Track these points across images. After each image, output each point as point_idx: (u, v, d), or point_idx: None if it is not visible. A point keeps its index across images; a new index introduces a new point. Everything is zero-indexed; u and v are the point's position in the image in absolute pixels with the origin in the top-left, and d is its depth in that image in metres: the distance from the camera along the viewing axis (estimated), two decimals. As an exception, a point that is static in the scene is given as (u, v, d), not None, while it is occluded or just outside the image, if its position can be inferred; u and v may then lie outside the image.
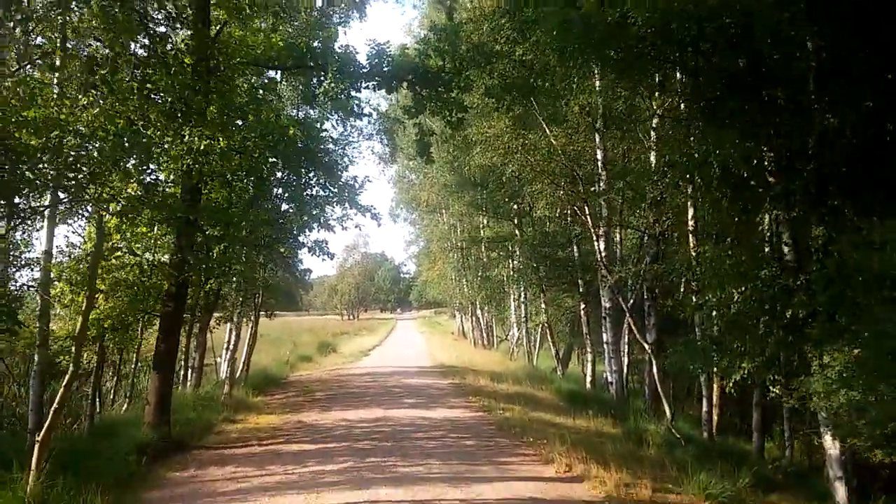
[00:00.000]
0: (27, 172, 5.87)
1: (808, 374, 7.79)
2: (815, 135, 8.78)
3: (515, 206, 23.38)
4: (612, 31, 8.30)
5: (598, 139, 16.20)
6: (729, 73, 8.07)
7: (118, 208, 6.92)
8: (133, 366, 13.84)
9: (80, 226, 10.55)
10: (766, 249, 9.70)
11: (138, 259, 9.53)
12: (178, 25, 8.64)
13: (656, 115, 13.58)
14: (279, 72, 10.58)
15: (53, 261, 9.15)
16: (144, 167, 7.14)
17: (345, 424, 11.54)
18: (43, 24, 6.85)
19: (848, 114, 8.10)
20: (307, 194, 11.03)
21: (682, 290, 18.36)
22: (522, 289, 25.88)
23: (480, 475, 7.89)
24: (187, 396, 13.85)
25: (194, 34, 8.29)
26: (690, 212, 12.57)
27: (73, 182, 6.02)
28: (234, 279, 16.77)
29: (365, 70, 9.84)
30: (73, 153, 5.91)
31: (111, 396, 14.06)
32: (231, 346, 19.93)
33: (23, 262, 9.12)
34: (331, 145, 14.00)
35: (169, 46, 8.18)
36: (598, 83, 14.57)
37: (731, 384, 8.97)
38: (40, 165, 5.76)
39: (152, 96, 6.41)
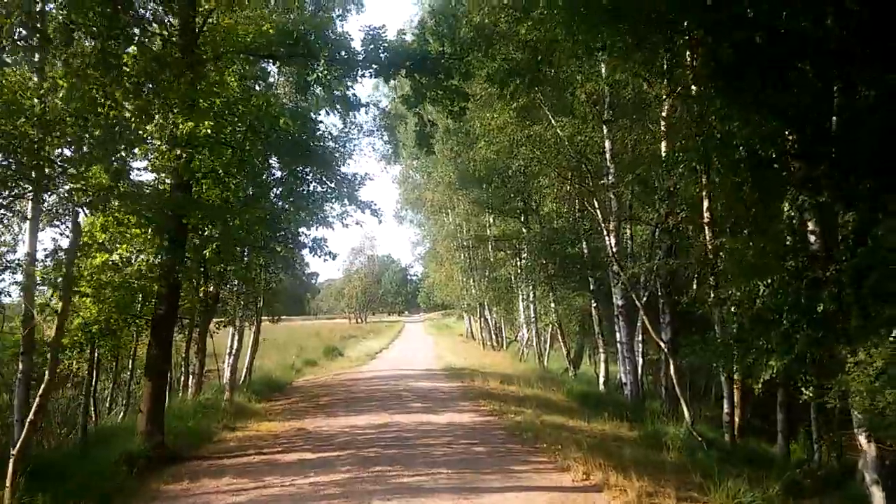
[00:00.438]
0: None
1: (844, 373, 7.20)
2: (839, 113, 8.25)
3: (522, 203, 22.82)
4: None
5: (605, 130, 15.64)
6: (747, 45, 7.49)
7: (89, 201, 6.41)
8: (129, 372, 13.36)
9: (67, 227, 10.10)
10: (789, 239, 9.11)
11: (125, 260, 9.01)
12: (165, 11, 8.13)
13: (667, 100, 12.98)
14: (271, 61, 10.07)
15: (38, 264, 8.71)
16: (117, 156, 6.60)
17: (348, 431, 11.02)
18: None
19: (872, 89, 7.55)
20: (303, 190, 10.50)
21: (694, 285, 17.83)
22: (531, 288, 25.31)
23: (491, 485, 7.35)
24: (187, 403, 13.38)
25: (180, 17, 7.81)
26: (705, 203, 11.98)
27: (41, 175, 5.53)
28: (233, 282, 16.34)
29: (360, 57, 9.33)
30: (35, 141, 5.42)
31: (107, 404, 13.62)
32: (233, 351, 19.53)
33: (4, 265, 8.61)
34: (329, 143, 13.55)
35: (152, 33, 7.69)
36: (604, 70, 14.01)
37: (758, 385, 8.37)
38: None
39: (117, 72, 5.91)
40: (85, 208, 7.29)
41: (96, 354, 12.51)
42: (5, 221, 7.85)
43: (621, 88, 14.10)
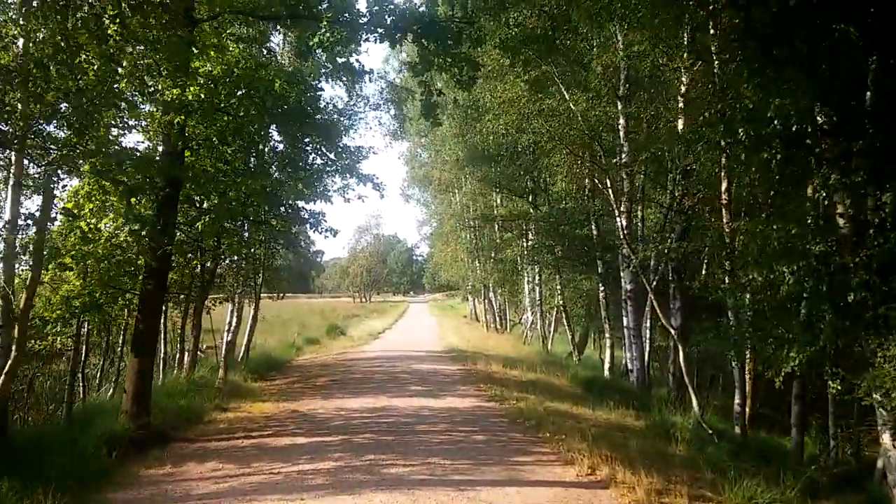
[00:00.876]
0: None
1: (871, 366, 6.69)
2: (875, 87, 7.67)
3: (530, 182, 22.23)
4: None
5: (620, 106, 15.01)
6: (784, 10, 6.89)
7: (51, 161, 5.90)
8: (119, 348, 12.95)
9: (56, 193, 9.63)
10: (814, 222, 8.56)
11: (111, 231, 8.54)
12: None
13: (686, 74, 12.36)
14: (271, 23, 9.49)
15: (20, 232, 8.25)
16: (90, 115, 6.08)
17: (344, 414, 10.60)
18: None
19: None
20: (303, 161, 9.95)
21: (704, 270, 17.27)
22: (537, 270, 24.80)
23: (491, 478, 6.90)
24: (180, 381, 13.00)
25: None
26: (724, 184, 11.41)
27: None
28: (232, 257, 15.88)
29: (365, 20, 8.75)
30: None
31: (97, 381, 13.24)
32: (232, 328, 19.13)
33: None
34: (333, 114, 13.00)
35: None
36: (620, 41, 13.37)
37: (779, 378, 7.85)
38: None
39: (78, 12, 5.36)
40: (61, 173, 6.76)
41: (86, 329, 12.17)
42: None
43: (639, 61, 13.42)
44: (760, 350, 8.21)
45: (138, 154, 7.81)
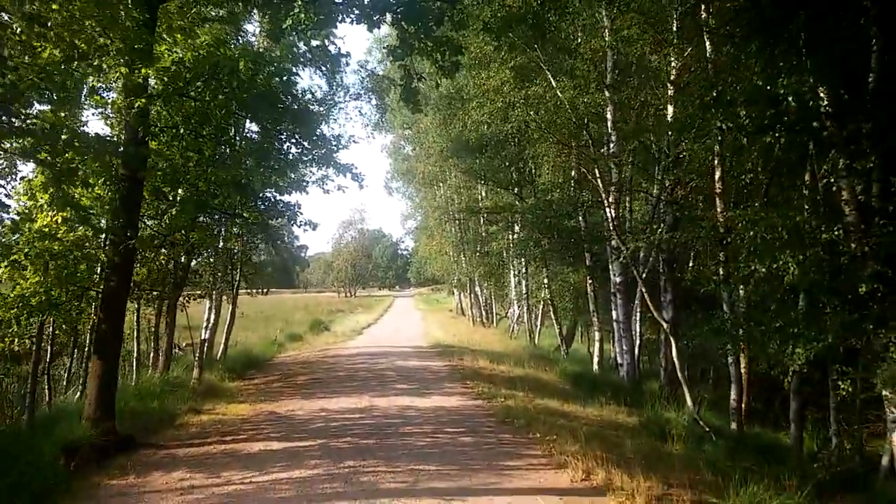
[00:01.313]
0: None
1: (883, 361, 6.27)
2: (880, 69, 7.25)
3: (516, 174, 21.74)
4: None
5: (607, 94, 14.54)
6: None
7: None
8: (86, 348, 12.33)
9: (12, 186, 9.04)
10: (814, 209, 8.14)
11: (68, 225, 7.93)
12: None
13: (675, 61, 11.93)
14: (242, 4, 8.88)
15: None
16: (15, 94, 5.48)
17: (323, 416, 10.08)
18: None
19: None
20: (277, 150, 9.35)
21: (692, 262, 16.90)
22: (523, 263, 24.35)
23: (479, 486, 6.42)
24: (153, 381, 12.39)
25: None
26: (718, 172, 11.00)
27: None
28: (202, 251, 15.28)
29: (340, 0, 8.21)
30: None
31: (64, 382, 12.61)
32: (209, 325, 18.53)
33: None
34: (311, 101, 12.41)
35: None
36: (607, 26, 12.91)
37: (788, 377, 7.44)
38: None
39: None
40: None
41: (51, 329, 11.53)
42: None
43: (627, 46, 12.96)
44: (761, 345, 7.76)
45: (90, 137, 7.15)
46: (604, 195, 14.70)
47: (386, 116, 24.83)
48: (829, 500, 7.74)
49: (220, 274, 17.34)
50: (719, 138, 8.30)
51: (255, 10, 9.10)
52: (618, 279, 15.85)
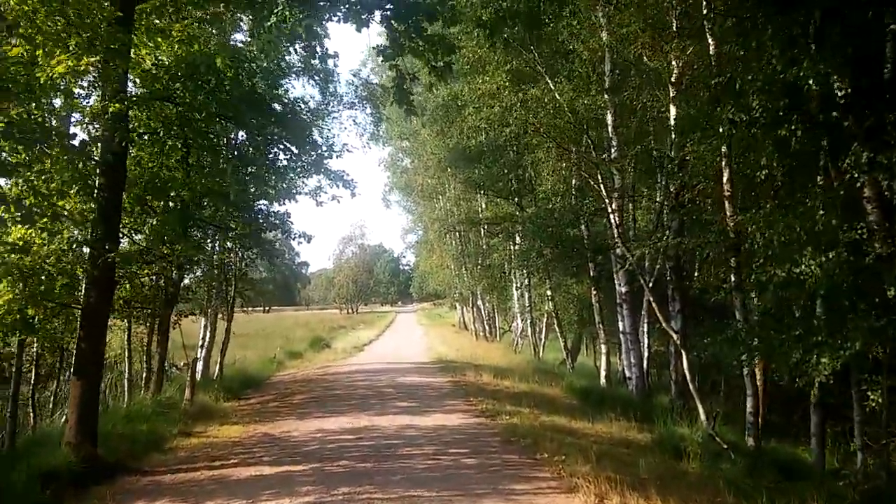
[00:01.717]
0: None
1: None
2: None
3: (515, 183, 21.31)
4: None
5: (606, 97, 14.12)
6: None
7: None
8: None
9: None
10: (836, 208, 7.65)
11: (41, 238, 7.49)
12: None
13: (678, 59, 11.53)
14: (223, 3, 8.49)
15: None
16: None
17: (319, 437, 9.57)
18: None
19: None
20: (264, 157, 8.91)
21: (697, 270, 16.41)
22: (525, 275, 23.88)
23: (483, 513, 5.92)
24: (144, 403, 11.92)
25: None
26: (726, 174, 10.55)
27: None
28: (202, 267, 14.86)
29: (326, -3, 7.83)
30: None
31: (51, 406, 12.12)
32: (205, 344, 18.06)
33: None
34: (304, 111, 11.99)
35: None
36: (605, 28, 12.54)
37: (814, 389, 6.95)
38: None
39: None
40: None
41: (35, 350, 11.08)
42: None
43: (627, 45, 12.56)
44: (783, 355, 7.26)
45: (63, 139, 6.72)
46: (607, 202, 14.23)
47: (382, 126, 24.40)
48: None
49: (214, 290, 16.89)
50: (732, 131, 7.79)
51: (238, 9, 8.69)
52: (623, 289, 15.36)
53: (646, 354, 15.73)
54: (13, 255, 7.24)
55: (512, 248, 25.16)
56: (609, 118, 14.61)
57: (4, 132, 5.52)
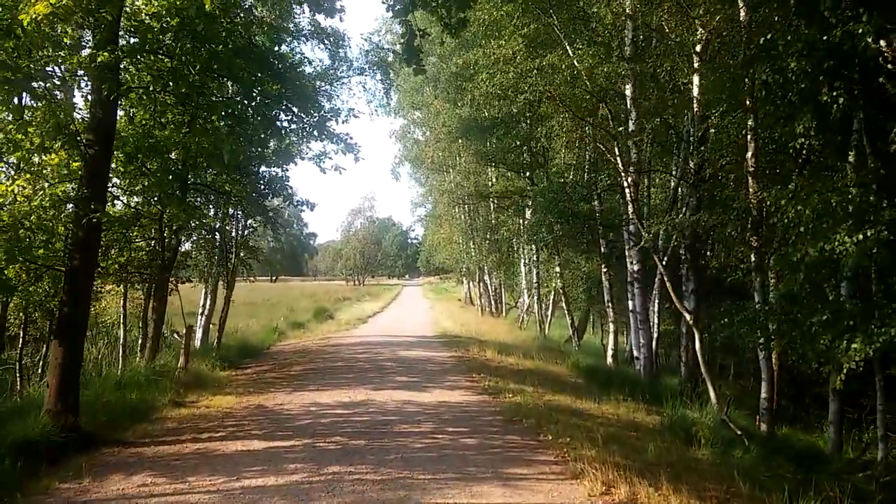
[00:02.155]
0: None
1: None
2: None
3: (528, 156, 20.68)
4: None
5: (626, 67, 13.45)
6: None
7: None
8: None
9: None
10: (869, 183, 7.09)
11: (23, 193, 7.05)
12: None
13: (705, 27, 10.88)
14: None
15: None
16: None
17: (314, 411, 9.19)
18: None
19: None
20: (260, 115, 8.37)
21: (710, 249, 15.85)
22: (534, 250, 23.38)
23: (481, 501, 5.50)
24: (138, 370, 11.57)
25: None
26: (751, 149, 9.97)
27: None
28: (200, 233, 14.46)
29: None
30: None
31: (39, 371, 11.81)
32: (205, 311, 17.73)
33: None
34: (310, 73, 11.42)
35: None
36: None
37: (840, 377, 6.45)
38: None
39: None
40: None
41: (23, 314, 10.72)
42: None
43: (650, 11, 11.90)
44: (809, 340, 6.76)
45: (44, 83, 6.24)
46: (623, 175, 13.64)
47: (392, 95, 23.72)
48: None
49: (215, 257, 16.49)
50: (762, 93, 7.18)
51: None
52: (636, 267, 14.85)
53: (655, 334, 15.27)
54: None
55: (521, 223, 24.61)
56: (628, 89, 13.98)
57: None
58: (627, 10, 12.90)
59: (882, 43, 6.40)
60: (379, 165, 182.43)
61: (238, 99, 8.46)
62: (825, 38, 5.77)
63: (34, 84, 6.55)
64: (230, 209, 14.46)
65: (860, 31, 5.44)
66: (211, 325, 17.33)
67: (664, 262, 13.22)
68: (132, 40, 7.98)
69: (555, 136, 15.61)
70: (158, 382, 10.88)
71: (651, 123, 13.54)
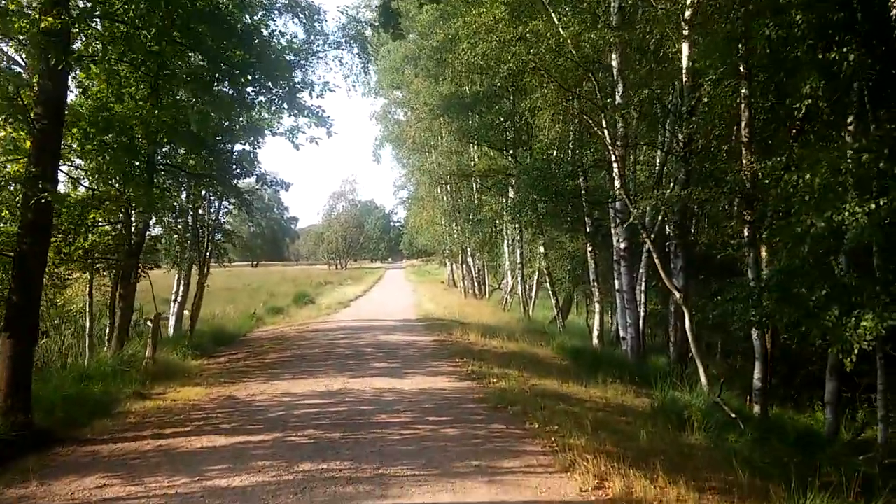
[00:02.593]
0: None
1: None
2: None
3: (511, 133, 20.12)
4: None
5: (612, 37, 12.91)
6: None
7: None
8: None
9: None
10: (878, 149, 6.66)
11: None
12: None
13: None
14: None
15: None
16: None
17: (286, 402, 8.69)
18: None
19: None
20: (222, 84, 7.74)
21: (693, 224, 15.46)
22: (518, 230, 22.92)
23: (465, 497, 5.05)
24: (104, 361, 11.00)
25: None
26: (745, 118, 9.52)
27: None
28: (170, 217, 13.82)
29: None
30: None
31: None
32: (178, 298, 17.13)
33: None
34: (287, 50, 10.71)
35: None
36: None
37: (851, 358, 6.05)
38: None
39: None
40: None
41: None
42: None
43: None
44: (815, 318, 6.35)
45: None
46: (611, 149, 13.15)
47: (369, 68, 22.98)
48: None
49: (187, 242, 15.85)
50: (767, 49, 6.70)
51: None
52: (622, 245, 14.44)
53: (642, 314, 14.90)
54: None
55: (504, 202, 24.11)
56: (615, 60, 13.46)
57: None
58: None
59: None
60: (360, 149, 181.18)
61: (202, 66, 7.80)
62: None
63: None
64: (202, 190, 13.78)
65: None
66: (185, 312, 16.74)
67: (652, 239, 12.80)
68: (82, 4, 7.32)
69: (539, 111, 15.07)
70: (125, 374, 10.34)
71: (639, 96, 13.05)
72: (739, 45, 8.71)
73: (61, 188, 10.07)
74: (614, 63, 13.59)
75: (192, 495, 5.20)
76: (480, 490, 5.21)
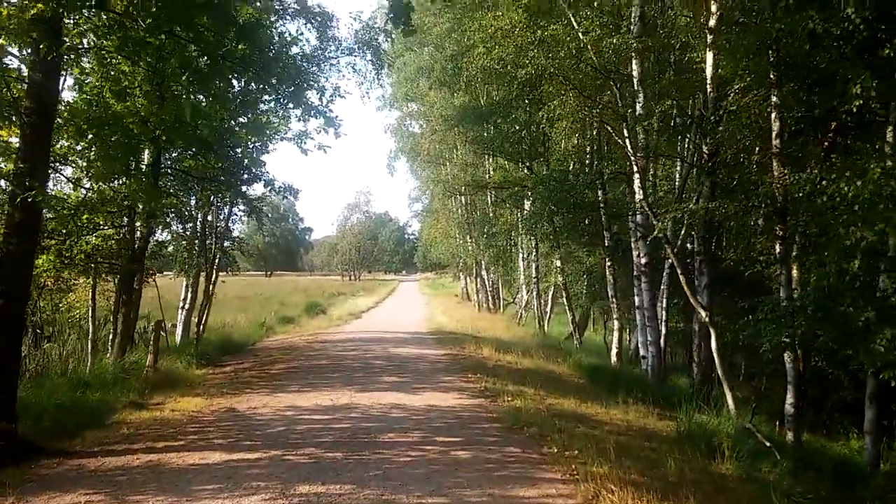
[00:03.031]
0: None
1: None
2: None
3: (527, 144, 19.65)
4: None
5: (634, 45, 12.45)
6: None
7: None
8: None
9: None
10: None
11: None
12: None
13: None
14: None
15: None
16: None
17: (289, 416, 8.22)
18: None
19: None
20: (224, 80, 7.34)
21: (713, 241, 14.89)
22: (533, 244, 22.41)
23: (475, 532, 4.56)
24: (105, 368, 10.65)
25: None
26: (776, 127, 9.01)
27: None
28: (168, 221, 13.47)
29: None
30: None
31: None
32: (186, 305, 16.79)
33: None
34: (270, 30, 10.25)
35: None
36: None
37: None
38: None
39: None
40: None
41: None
42: None
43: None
44: (854, 340, 5.81)
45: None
46: (633, 160, 12.64)
47: (382, 74, 22.55)
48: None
49: (195, 249, 15.51)
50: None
51: None
52: (643, 260, 13.89)
53: (664, 332, 14.32)
54: None
55: (520, 214, 23.64)
56: (636, 69, 13.00)
57: None
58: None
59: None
60: (375, 161, 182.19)
61: (201, 59, 7.43)
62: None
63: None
64: (210, 196, 13.45)
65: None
66: (193, 320, 16.40)
67: (676, 255, 12.26)
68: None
69: (557, 120, 14.60)
70: (125, 382, 9.97)
71: (661, 106, 12.56)
72: (770, 51, 8.20)
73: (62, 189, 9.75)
74: (635, 72, 13.14)
75: (176, 520, 4.74)
76: (494, 523, 4.70)
